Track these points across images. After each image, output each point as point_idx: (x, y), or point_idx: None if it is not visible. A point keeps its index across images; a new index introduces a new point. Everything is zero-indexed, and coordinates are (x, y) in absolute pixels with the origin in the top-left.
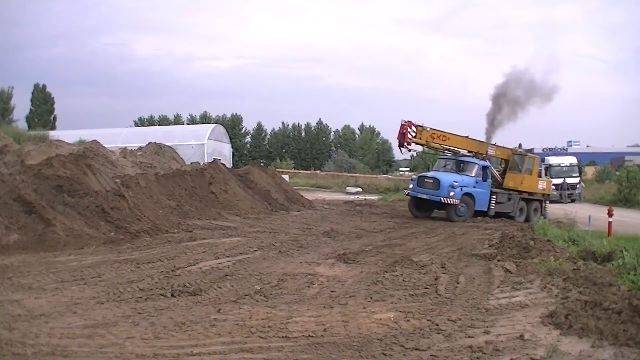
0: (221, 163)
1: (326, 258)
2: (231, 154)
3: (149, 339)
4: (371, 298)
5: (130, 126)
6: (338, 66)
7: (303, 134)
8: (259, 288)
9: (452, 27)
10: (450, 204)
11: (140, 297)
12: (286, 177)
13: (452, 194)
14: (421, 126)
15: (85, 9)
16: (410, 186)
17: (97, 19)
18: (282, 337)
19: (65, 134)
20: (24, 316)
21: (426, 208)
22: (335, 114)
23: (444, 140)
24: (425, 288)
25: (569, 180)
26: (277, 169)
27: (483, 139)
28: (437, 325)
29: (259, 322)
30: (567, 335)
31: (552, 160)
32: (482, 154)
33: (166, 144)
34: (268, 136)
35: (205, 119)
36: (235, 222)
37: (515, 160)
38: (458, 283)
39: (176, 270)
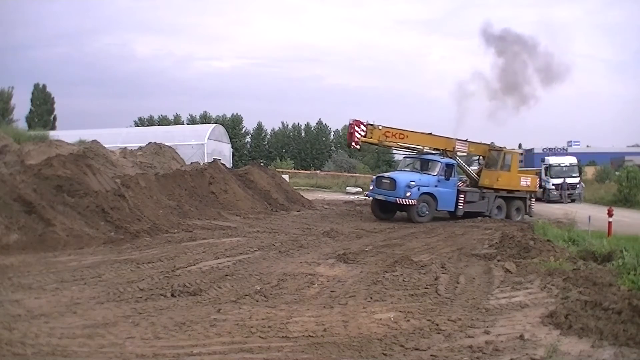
0: (221, 163)
1: (326, 258)
2: (231, 154)
3: (149, 339)
4: (371, 298)
5: (130, 126)
6: (338, 66)
7: (303, 134)
8: (259, 288)
9: (452, 27)
10: (408, 204)
11: (140, 297)
12: (286, 177)
13: (408, 194)
14: (372, 125)
15: (85, 9)
16: (371, 187)
17: (97, 19)
18: (282, 337)
19: (65, 134)
20: (24, 316)
21: (391, 209)
22: (335, 114)
23: (402, 139)
24: (425, 288)
25: (569, 180)
26: (277, 169)
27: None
28: (437, 325)
29: (259, 322)
30: (567, 335)
31: (552, 160)
32: (450, 151)
33: (166, 144)
34: (268, 136)
35: (205, 119)
36: (235, 222)
37: (491, 156)
38: (458, 283)
39: (176, 270)
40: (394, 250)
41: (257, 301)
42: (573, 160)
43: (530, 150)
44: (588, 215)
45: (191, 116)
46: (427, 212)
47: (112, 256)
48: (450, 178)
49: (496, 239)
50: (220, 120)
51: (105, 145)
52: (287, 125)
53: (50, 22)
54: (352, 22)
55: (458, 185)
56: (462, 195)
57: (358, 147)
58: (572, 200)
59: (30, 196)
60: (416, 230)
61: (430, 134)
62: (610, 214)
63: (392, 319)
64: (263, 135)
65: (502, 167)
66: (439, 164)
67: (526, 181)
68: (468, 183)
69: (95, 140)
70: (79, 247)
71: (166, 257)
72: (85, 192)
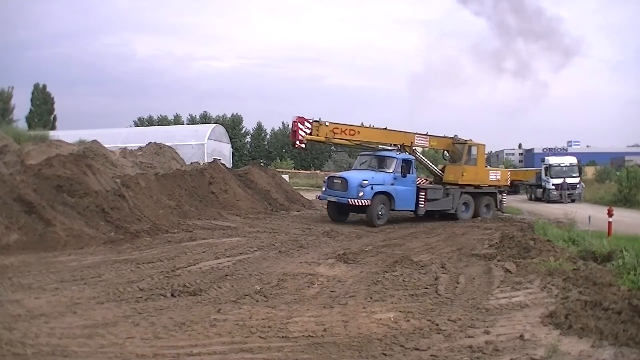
0: (221, 163)
1: (326, 258)
2: (231, 154)
3: (149, 339)
4: (371, 298)
5: (130, 126)
6: (338, 66)
7: (421, 149)
8: (259, 288)
9: (451, 28)
10: (362, 205)
11: (140, 297)
12: (286, 177)
13: (361, 194)
14: (317, 121)
15: (85, 10)
16: (323, 189)
17: (98, 20)
18: (282, 337)
19: (65, 134)
20: (24, 316)
21: (349, 210)
22: (335, 114)
23: (353, 135)
24: (425, 288)
25: (569, 180)
26: (277, 169)
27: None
28: (437, 325)
29: (259, 322)
30: (567, 335)
31: (552, 160)
32: (409, 146)
33: (166, 144)
34: (268, 136)
35: (205, 119)
36: (235, 222)
37: (456, 150)
38: (458, 283)
39: (176, 270)
40: (394, 250)
41: (257, 301)
42: (573, 160)
43: (530, 150)
44: (588, 215)
45: (191, 116)
46: (384, 214)
47: (112, 256)
48: (408, 175)
49: (496, 239)
50: (220, 120)
51: (105, 145)
52: (287, 125)
53: (51, 22)
54: (352, 22)
55: (418, 183)
56: (423, 193)
57: (303, 145)
58: (572, 200)
59: (30, 196)
60: (416, 230)
61: (385, 128)
62: (610, 214)
63: (392, 319)
64: (263, 135)
65: (467, 161)
66: (395, 160)
67: (495, 175)
68: (432, 180)
69: (95, 140)
70: (79, 247)
71: (166, 257)
72: (85, 192)
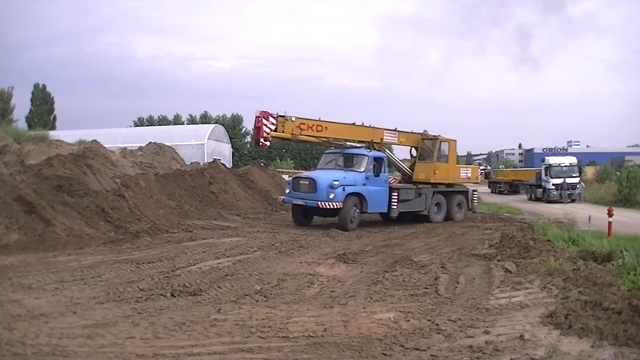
0: (221, 163)
1: (326, 258)
2: (231, 154)
3: (149, 339)
4: (371, 298)
5: (130, 126)
6: (338, 66)
7: (392, 145)
8: (259, 288)
9: (452, 28)
10: (334, 208)
11: (140, 297)
12: (286, 177)
13: (332, 195)
14: (283, 116)
15: (85, 10)
16: (287, 191)
17: (98, 20)
18: (282, 337)
19: (65, 134)
20: (24, 316)
21: (317, 214)
22: (335, 114)
23: (320, 131)
24: (425, 288)
25: (569, 180)
26: (277, 169)
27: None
28: (437, 325)
29: (259, 322)
30: (567, 335)
31: (552, 160)
32: (378, 143)
33: (166, 144)
34: None
35: (205, 119)
36: (235, 222)
37: (425, 146)
38: (458, 283)
39: (176, 270)
40: (394, 250)
41: (257, 301)
42: (573, 160)
43: (530, 150)
44: (588, 215)
45: (191, 116)
46: (356, 216)
47: (112, 256)
48: (381, 174)
49: (496, 239)
50: (220, 120)
51: (105, 145)
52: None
53: (51, 22)
54: (352, 22)
55: (390, 182)
56: (395, 193)
57: (268, 143)
58: (572, 200)
59: (30, 196)
60: (416, 230)
61: (353, 124)
62: (610, 214)
63: (392, 319)
64: None
65: (438, 158)
66: (366, 158)
67: (466, 173)
68: (400, 179)
69: (95, 140)
70: (79, 247)
71: (166, 257)
72: (85, 192)
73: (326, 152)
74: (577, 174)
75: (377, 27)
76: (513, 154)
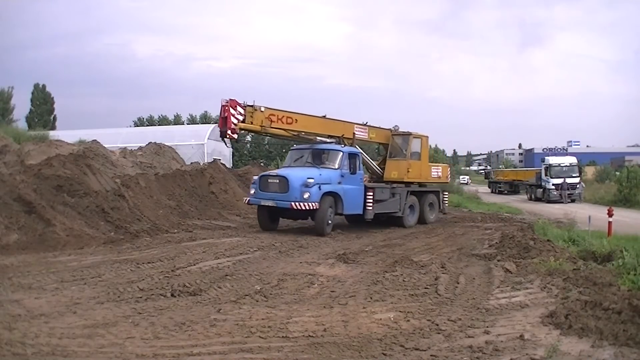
0: (221, 163)
1: (326, 258)
2: (231, 154)
3: (149, 339)
4: (371, 298)
5: (130, 126)
6: (338, 66)
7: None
8: (259, 288)
9: (452, 28)
10: (309, 209)
11: (140, 297)
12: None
13: (306, 195)
14: (252, 106)
15: (86, 10)
16: (252, 191)
17: (98, 20)
18: (282, 337)
19: (65, 134)
20: (24, 316)
21: (287, 216)
22: (335, 114)
23: (290, 124)
24: (425, 288)
25: (569, 180)
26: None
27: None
28: (437, 325)
29: (259, 322)
30: (567, 335)
31: (552, 160)
32: (350, 139)
33: (166, 144)
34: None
35: (205, 119)
36: (235, 222)
37: (396, 143)
38: (458, 283)
39: (176, 270)
40: (394, 250)
41: (257, 301)
42: (573, 160)
43: (530, 150)
44: (588, 215)
45: (191, 116)
46: (332, 219)
47: (112, 256)
48: (358, 172)
49: (496, 239)
50: None
51: (105, 145)
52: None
53: (51, 22)
54: (352, 22)
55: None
56: (371, 193)
57: (235, 136)
58: (572, 200)
59: (30, 196)
60: (416, 230)
61: (324, 116)
62: (610, 214)
63: (392, 319)
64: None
65: (411, 155)
66: (340, 153)
67: (437, 172)
68: (369, 178)
69: (95, 140)
70: (79, 247)
71: (166, 257)
72: (85, 192)
73: (293, 147)
74: (577, 174)
75: (378, 27)
76: (513, 154)
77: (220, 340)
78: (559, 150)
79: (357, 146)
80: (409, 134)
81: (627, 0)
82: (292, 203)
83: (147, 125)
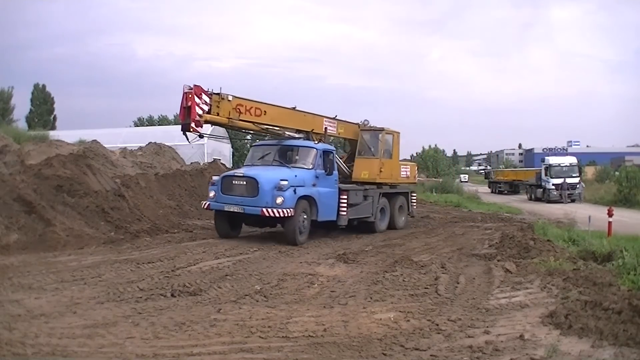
0: (221, 163)
1: (326, 258)
2: (231, 154)
3: (149, 339)
4: (371, 298)
5: (130, 126)
6: (338, 66)
7: (331, 138)
8: (259, 288)
9: (452, 28)
10: (282, 216)
11: (140, 297)
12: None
13: (280, 199)
14: (218, 94)
15: (86, 10)
16: (211, 194)
17: (98, 20)
18: (282, 337)
19: (65, 134)
20: (24, 316)
21: (253, 223)
22: (335, 114)
23: (259, 116)
24: (425, 288)
25: (569, 180)
26: None
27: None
28: (437, 325)
29: (259, 322)
30: (567, 335)
31: (552, 160)
32: (320, 134)
33: (166, 144)
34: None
35: None
36: None
37: (365, 139)
38: (458, 283)
39: (176, 270)
40: (394, 250)
41: (257, 301)
42: (573, 160)
43: (530, 150)
44: (588, 215)
45: None
46: (307, 226)
47: (112, 256)
48: (333, 172)
49: (496, 239)
50: None
51: (105, 145)
52: None
53: (51, 22)
54: (352, 22)
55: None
56: (345, 196)
57: (200, 129)
58: (572, 200)
59: (30, 196)
60: (416, 230)
61: (294, 108)
62: (610, 214)
63: (392, 319)
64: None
65: (384, 153)
66: (314, 151)
67: (406, 171)
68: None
69: (95, 140)
70: (79, 247)
71: (166, 257)
72: (85, 192)
73: (256, 144)
74: (577, 174)
75: (378, 27)
76: (513, 154)
77: (220, 340)
78: (559, 150)
79: (325, 141)
80: (381, 129)
81: (626, 1)
82: (263, 209)
83: (147, 125)
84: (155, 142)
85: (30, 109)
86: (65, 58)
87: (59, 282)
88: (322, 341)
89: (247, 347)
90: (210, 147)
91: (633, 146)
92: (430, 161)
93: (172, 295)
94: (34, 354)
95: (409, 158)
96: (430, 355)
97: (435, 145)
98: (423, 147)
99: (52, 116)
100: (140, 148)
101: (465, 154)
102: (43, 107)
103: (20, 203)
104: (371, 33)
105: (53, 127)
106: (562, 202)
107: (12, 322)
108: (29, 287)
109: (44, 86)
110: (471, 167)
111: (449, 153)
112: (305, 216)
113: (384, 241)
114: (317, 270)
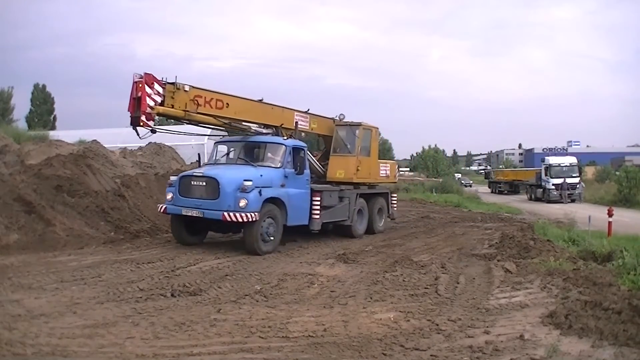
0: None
1: (326, 258)
2: None
3: (149, 339)
4: (371, 298)
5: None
6: (338, 66)
7: (303, 134)
8: (259, 288)
9: (451, 28)
10: (244, 221)
11: (140, 297)
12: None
13: (243, 202)
14: (173, 83)
15: (86, 10)
16: (169, 196)
17: (98, 20)
18: (282, 337)
19: (65, 134)
20: (24, 316)
21: (205, 228)
22: (335, 114)
23: (221, 108)
24: (425, 288)
25: (569, 180)
26: None
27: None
28: (437, 325)
29: (259, 322)
30: (567, 335)
31: (552, 160)
32: (290, 129)
33: (166, 144)
34: None
35: None
36: None
37: (341, 135)
38: (458, 283)
39: (176, 270)
40: (394, 250)
41: (257, 301)
42: (573, 160)
43: (530, 150)
44: (588, 215)
45: None
46: (274, 232)
47: (112, 256)
48: (304, 171)
49: (496, 239)
50: None
51: (105, 145)
52: None
53: (51, 22)
54: (352, 22)
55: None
56: (317, 198)
57: (151, 123)
58: (572, 200)
59: (30, 196)
60: (416, 230)
61: (261, 100)
62: (610, 214)
63: (392, 319)
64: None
65: (361, 150)
66: (283, 148)
67: (385, 170)
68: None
69: (95, 140)
70: (79, 247)
71: (166, 257)
72: (85, 192)
73: (219, 141)
74: (577, 174)
75: (378, 27)
76: (513, 154)
77: (220, 340)
78: (559, 150)
79: (296, 137)
80: (358, 124)
81: (626, 1)
82: (225, 213)
83: None
84: (155, 142)
85: (30, 109)
86: (65, 58)
87: (59, 282)
88: (322, 341)
89: (247, 347)
90: (210, 147)
91: (633, 146)
92: (430, 161)
93: (172, 295)
94: (34, 354)
95: (409, 158)
96: (430, 355)
97: (435, 145)
98: (423, 147)
99: (52, 116)
100: (140, 148)
101: (465, 154)
102: (43, 107)
103: (20, 203)
104: (371, 33)
105: (53, 127)
106: (562, 202)
107: (12, 322)
108: (28, 287)
109: (44, 86)
110: (471, 167)
111: (449, 153)
112: (271, 221)
113: (384, 241)
114: (317, 270)
